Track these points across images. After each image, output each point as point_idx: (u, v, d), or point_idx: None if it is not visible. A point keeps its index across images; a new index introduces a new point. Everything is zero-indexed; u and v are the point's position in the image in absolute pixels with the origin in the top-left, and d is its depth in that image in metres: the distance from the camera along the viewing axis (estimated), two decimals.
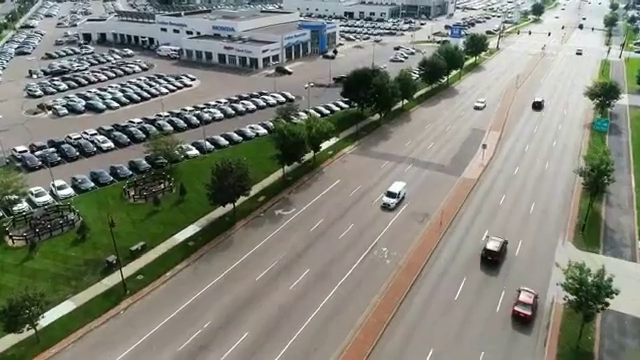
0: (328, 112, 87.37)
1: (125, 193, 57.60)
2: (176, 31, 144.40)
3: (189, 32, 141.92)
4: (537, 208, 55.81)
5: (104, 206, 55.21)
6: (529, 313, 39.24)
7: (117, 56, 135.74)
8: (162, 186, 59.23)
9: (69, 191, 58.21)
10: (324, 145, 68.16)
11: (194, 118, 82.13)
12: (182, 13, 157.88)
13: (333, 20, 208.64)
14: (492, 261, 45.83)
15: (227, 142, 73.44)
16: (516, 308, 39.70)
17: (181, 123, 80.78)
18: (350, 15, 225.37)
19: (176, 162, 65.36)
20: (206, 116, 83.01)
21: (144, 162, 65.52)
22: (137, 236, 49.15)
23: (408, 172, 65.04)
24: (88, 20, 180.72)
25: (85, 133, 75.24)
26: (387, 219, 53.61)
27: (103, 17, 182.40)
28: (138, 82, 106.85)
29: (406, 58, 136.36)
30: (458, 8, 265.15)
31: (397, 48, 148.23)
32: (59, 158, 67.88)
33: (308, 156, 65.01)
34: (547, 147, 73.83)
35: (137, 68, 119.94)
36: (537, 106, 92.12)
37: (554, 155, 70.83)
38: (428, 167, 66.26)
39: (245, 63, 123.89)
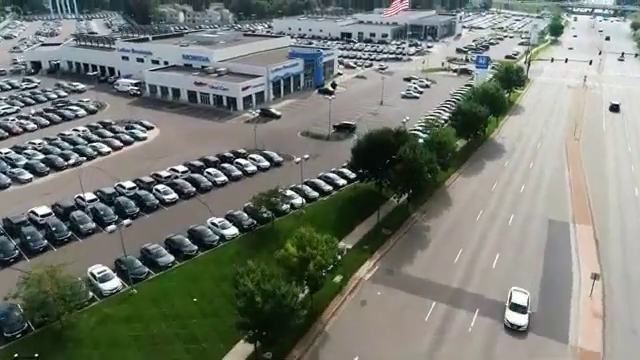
0: (330, 188, 60.78)
1: None
2: (140, 60, 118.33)
3: (155, 61, 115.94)
4: None
5: None
6: None
7: (64, 92, 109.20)
8: None
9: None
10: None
11: (130, 202, 55.30)
12: (149, 37, 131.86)
13: (329, 43, 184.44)
14: None
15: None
16: None
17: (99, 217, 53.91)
18: (348, 36, 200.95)
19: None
20: (151, 199, 56.35)
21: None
22: None
23: (475, 330, 38.10)
24: (42, 45, 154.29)
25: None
26: None
27: (65, 41, 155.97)
28: (77, 133, 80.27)
29: (421, 93, 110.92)
30: (464, 27, 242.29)
31: (408, 79, 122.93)
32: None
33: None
34: None
35: (81, 111, 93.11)
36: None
37: None
38: (504, 314, 39.37)
39: (221, 103, 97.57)
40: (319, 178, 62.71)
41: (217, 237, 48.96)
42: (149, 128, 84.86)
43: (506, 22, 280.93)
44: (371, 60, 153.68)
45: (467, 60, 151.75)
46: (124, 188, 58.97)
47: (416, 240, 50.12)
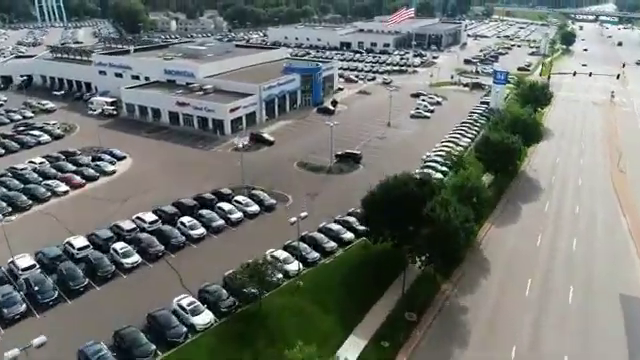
0: (334, 245, 48.36)
1: None
2: (118, 75, 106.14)
3: (135, 77, 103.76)
4: None
5: None
6: None
7: (30, 112, 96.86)
8: None
9: None
10: None
11: (77, 271, 42.74)
12: (131, 49, 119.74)
13: (328, 53, 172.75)
14: None
15: None
16: None
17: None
18: (347, 46, 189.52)
19: None
20: (106, 264, 43.87)
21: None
22: None
23: None
24: (17, 57, 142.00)
25: None
26: None
27: (40, 53, 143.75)
28: (32, 166, 67.84)
29: (432, 112, 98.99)
30: (469, 36, 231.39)
31: (416, 95, 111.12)
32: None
33: None
34: None
35: (45, 137, 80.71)
36: None
37: None
38: None
39: (206, 126, 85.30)
40: (320, 231, 50.35)
41: (184, 329, 36.42)
42: (120, 158, 72.46)
43: (510, 30, 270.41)
44: (374, 73, 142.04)
45: (477, 72, 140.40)
46: (74, 248, 46.43)
47: (451, 330, 37.62)
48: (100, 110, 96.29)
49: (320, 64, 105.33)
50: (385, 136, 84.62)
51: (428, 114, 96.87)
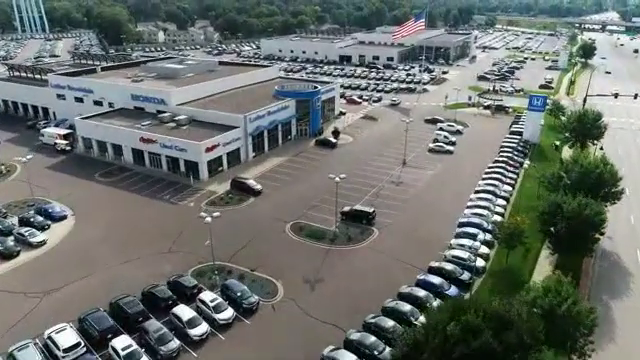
0: None
1: None
2: (79, 100, 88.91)
3: (98, 102, 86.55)
4: None
5: None
6: None
7: None
8: None
9: None
10: None
11: None
12: (98, 68, 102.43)
13: (326, 68, 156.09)
14: None
15: None
16: None
17: None
18: (347, 60, 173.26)
19: None
20: None
21: None
22: None
23: None
24: None
25: None
26: None
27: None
28: None
29: (454, 144, 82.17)
30: (477, 48, 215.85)
31: (431, 121, 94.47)
32: None
33: None
34: None
35: None
36: None
37: None
38: None
39: (177, 169, 68.00)
40: None
41: None
42: (59, 218, 55.01)
43: (519, 41, 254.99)
44: (378, 92, 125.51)
45: (495, 91, 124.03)
46: None
47: None
48: (53, 142, 79.03)
49: (318, 86, 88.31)
50: (401, 180, 67.56)
51: (450, 148, 79.96)
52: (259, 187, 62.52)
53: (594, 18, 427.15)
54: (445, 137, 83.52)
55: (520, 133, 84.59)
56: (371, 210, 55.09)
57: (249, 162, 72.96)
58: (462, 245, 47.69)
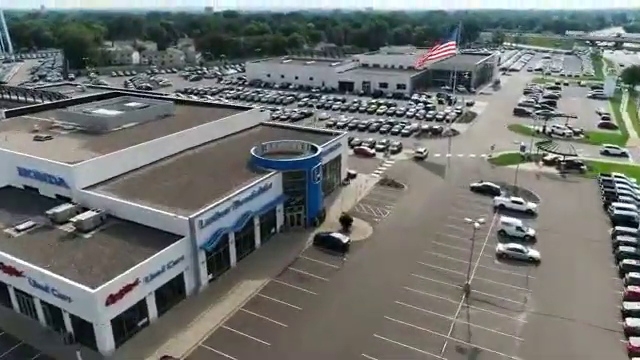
0: None
1: None
2: None
3: None
4: None
5: None
6: None
7: None
8: None
9: None
10: None
11: None
12: (1, 113, 71.10)
13: (324, 97, 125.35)
14: None
15: None
16: None
17: None
18: (349, 88, 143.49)
19: None
20: None
21: None
22: None
23: None
24: None
25: None
26: None
27: None
28: None
29: (534, 240, 51.84)
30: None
31: (480, 190, 64.45)
32: None
33: None
34: None
35: None
36: None
37: None
38: None
39: (61, 322, 36.71)
40: None
41: None
42: None
43: (536, 61, 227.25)
44: (394, 133, 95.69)
45: (549, 134, 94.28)
46: None
47: None
48: None
49: (319, 148, 57.35)
50: (472, 343, 36.74)
51: (533, 252, 49.28)
52: None
53: (605, 33, 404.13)
54: (518, 229, 53.05)
55: (632, 219, 54.47)
56: None
57: (200, 295, 41.94)
58: None
